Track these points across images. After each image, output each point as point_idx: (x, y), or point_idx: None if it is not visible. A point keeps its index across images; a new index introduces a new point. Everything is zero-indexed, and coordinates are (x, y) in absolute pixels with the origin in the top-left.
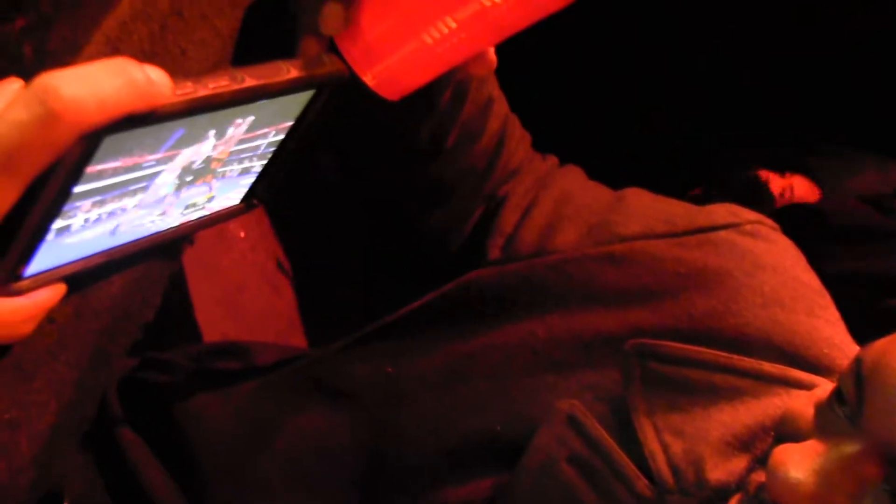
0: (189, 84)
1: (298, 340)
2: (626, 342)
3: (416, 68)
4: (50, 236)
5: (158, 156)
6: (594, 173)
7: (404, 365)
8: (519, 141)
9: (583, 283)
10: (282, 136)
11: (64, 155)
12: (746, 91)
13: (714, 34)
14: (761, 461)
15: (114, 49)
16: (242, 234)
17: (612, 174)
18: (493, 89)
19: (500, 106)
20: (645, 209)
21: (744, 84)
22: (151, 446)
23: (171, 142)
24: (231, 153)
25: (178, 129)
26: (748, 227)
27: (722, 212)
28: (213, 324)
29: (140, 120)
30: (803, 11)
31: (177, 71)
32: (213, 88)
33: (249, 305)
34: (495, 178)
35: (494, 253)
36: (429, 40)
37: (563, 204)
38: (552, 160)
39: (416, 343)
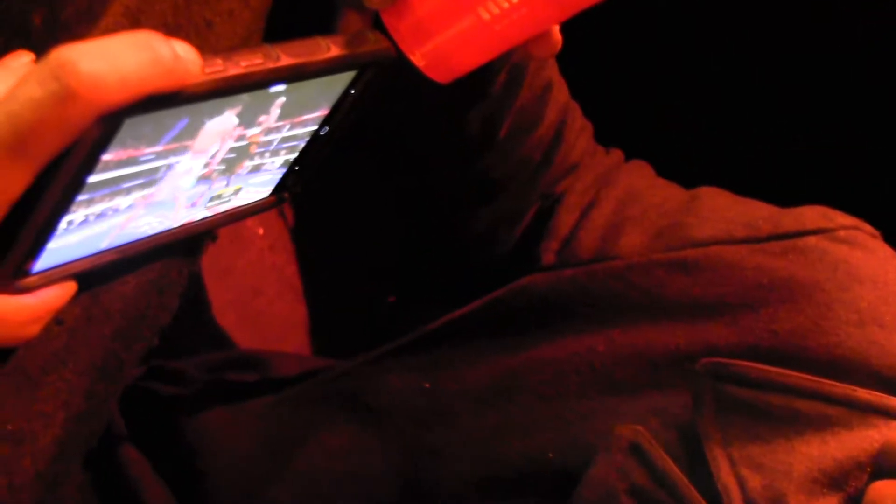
0: (219, 61)
1: (323, 352)
2: (699, 361)
3: (471, 48)
4: (60, 229)
5: (176, 145)
6: None
7: (443, 380)
8: (579, 132)
9: (649, 293)
10: (317, 123)
11: (80, 138)
12: (760, 90)
13: (726, 33)
14: (854, 500)
15: (133, 21)
16: (261, 231)
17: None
18: (553, 74)
19: (560, 92)
20: (722, 210)
21: (756, 84)
22: (156, 465)
23: (197, 128)
24: (261, 141)
25: (205, 117)
26: (843, 233)
27: (813, 215)
28: (227, 331)
29: (165, 100)
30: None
31: (202, 46)
32: (246, 67)
33: (267, 312)
34: (552, 173)
35: (549, 258)
36: (486, 16)
37: (627, 203)
38: (617, 154)
39: (457, 355)
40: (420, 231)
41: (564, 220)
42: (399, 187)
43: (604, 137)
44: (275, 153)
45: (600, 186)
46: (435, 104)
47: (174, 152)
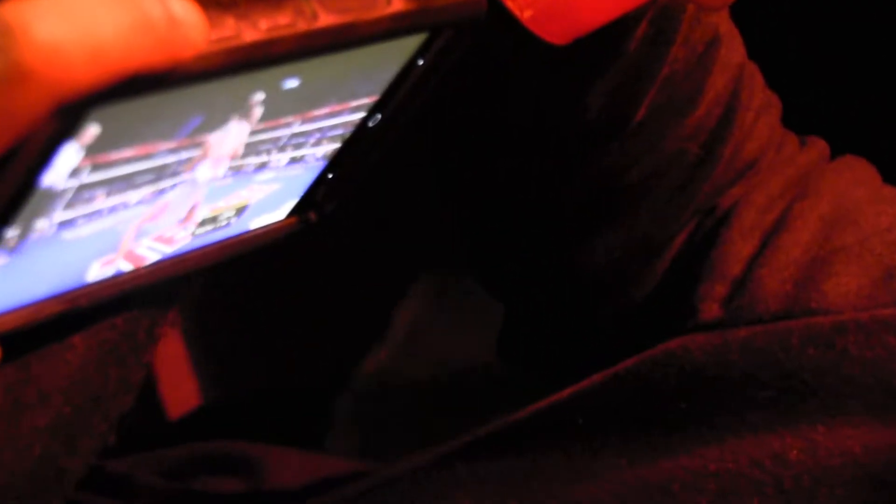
0: (230, 22)
1: (353, 448)
2: None
3: None
4: None
5: (176, 143)
6: None
7: (540, 498)
8: (760, 112)
9: (876, 369)
10: (365, 110)
11: (27, 136)
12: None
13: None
14: None
15: None
16: None
17: None
18: (722, 24)
19: (732, 51)
20: None
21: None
22: None
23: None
24: (274, 137)
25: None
26: None
27: None
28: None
29: (153, 82)
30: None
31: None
32: (269, 31)
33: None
34: (716, 176)
35: (710, 310)
36: None
37: (837, 226)
38: (818, 147)
39: (560, 462)
40: (505, 263)
41: (735, 250)
42: (473, 200)
43: (798, 123)
44: (295, 154)
45: (793, 199)
46: (540, 76)
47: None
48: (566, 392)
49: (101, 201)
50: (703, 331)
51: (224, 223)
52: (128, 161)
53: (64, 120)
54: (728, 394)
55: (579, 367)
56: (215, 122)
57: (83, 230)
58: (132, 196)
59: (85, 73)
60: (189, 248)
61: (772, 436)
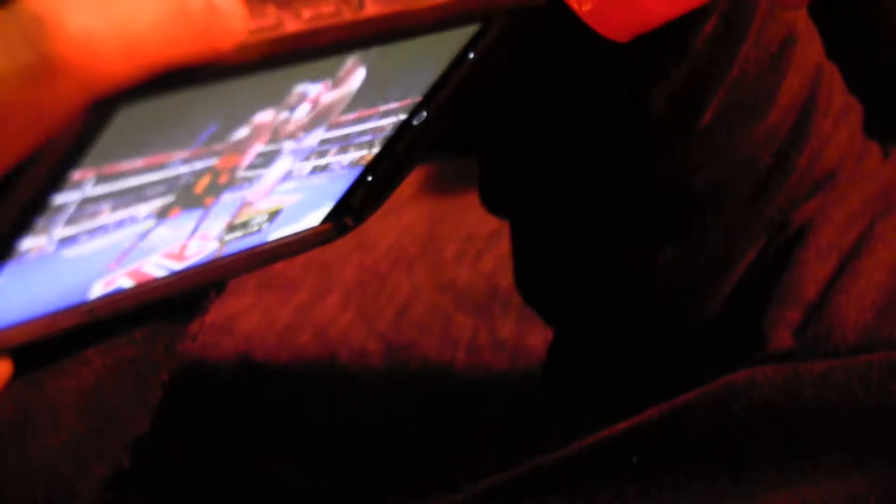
0: (271, 11)
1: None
2: None
3: None
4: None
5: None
6: None
7: None
8: (839, 118)
9: None
10: (409, 108)
11: (57, 135)
12: None
13: None
14: None
15: None
16: None
17: None
18: (799, 21)
19: (809, 51)
20: None
21: None
22: None
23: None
24: (312, 144)
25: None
26: None
27: None
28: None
29: (189, 76)
30: None
31: None
32: (313, 20)
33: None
34: (789, 188)
35: (781, 337)
36: None
37: None
38: None
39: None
40: (556, 282)
41: (811, 272)
42: (523, 210)
43: (882, 131)
44: (334, 157)
45: (875, 216)
46: (597, 74)
47: (199, 158)
48: (619, 427)
49: (107, 216)
50: (772, 361)
51: (256, 229)
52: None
53: (96, 116)
54: (800, 433)
55: (633, 398)
56: (238, 126)
57: (88, 245)
58: (144, 209)
59: (120, 66)
60: (217, 255)
61: (848, 482)
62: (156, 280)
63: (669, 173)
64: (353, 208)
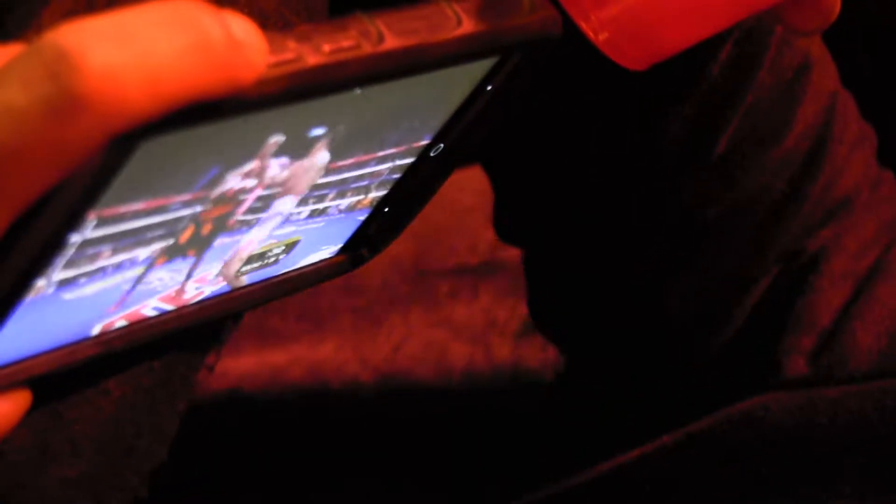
0: (291, 45)
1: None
2: None
3: (685, 14)
4: (23, 306)
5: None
6: None
7: None
8: (854, 146)
9: None
10: (422, 146)
11: (75, 171)
12: None
13: None
14: None
15: None
16: None
17: None
18: (814, 48)
19: (824, 77)
20: None
21: None
22: None
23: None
24: (329, 184)
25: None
26: None
27: None
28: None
29: (209, 111)
30: None
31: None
32: (333, 54)
33: None
34: (803, 215)
35: (796, 364)
36: None
37: None
38: None
39: None
40: (569, 308)
41: (825, 299)
42: (537, 233)
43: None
44: (351, 192)
45: (890, 243)
46: (612, 102)
47: (198, 201)
48: (633, 454)
49: (107, 258)
50: (786, 388)
51: (272, 260)
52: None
53: (115, 152)
54: (814, 461)
55: (647, 423)
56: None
57: (90, 287)
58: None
59: (142, 101)
60: (232, 286)
61: None
62: (173, 311)
63: (684, 201)
64: (369, 239)
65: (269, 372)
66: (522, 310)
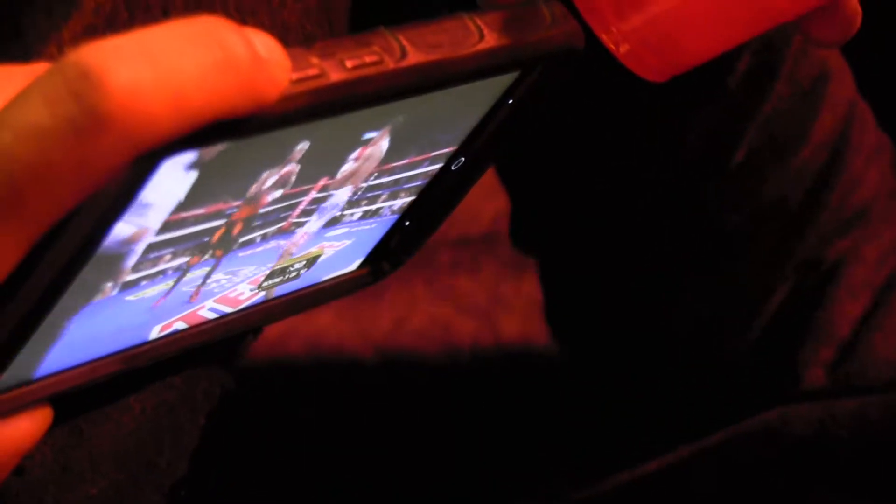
0: (314, 61)
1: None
2: None
3: (707, 26)
4: (45, 324)
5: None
6: None
7: None
8: (871, 156)
9: None
10: (446, 157)
11: (100, 190)
12: None
13: None
14: None
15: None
16: None
17: None
18: (831, 58)
19: (841, 87)
20: None
21: None
22: None
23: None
24: (353, 193)
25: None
26: None
27: None
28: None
29: (234, 128)
30: None
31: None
32: (356, 70)
33: None
34: (821, 225)
35: (814, 375)
36: None
37: None
38: None
39: None
40: (583, 314)
41: (844, 310)
42: (552, 239)
43: None
44: (373, 201)
45: None
46: (629, 114)
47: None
48: (650, 465)
49: (166, 262)
50: (805, 400)
51: (293, 275)
52: (198, 220)
53: (139, 170)
54: (833, 474)
55: (665, 434)
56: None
57: (146, 292)
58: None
59: (166, 119)
60: (254, 301)
61: None
62: (196, 326)
63: (702, 209)
64: (390, 252)
65: (265, 346)
66: (528, 288)
